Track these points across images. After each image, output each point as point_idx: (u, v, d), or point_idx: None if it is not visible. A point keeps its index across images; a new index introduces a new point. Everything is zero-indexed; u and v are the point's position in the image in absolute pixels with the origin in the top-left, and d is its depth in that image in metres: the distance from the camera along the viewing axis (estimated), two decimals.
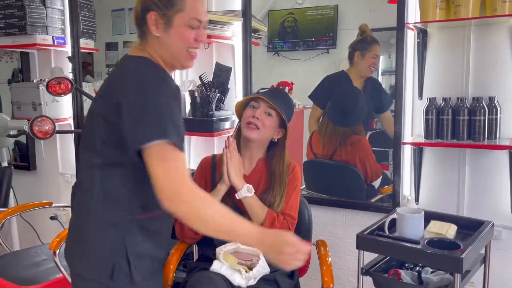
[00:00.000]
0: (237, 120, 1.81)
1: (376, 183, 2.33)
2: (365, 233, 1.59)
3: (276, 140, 1.73)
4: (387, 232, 1.59)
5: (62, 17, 2.91)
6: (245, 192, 1.63)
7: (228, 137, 1.69)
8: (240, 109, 1.76)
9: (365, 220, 2.16)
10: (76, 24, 2.85)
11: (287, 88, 2.58)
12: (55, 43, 2.86)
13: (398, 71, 2.02)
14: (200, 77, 2.37)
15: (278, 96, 1.74)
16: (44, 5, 2.79)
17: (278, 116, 1.69)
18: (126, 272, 1.24)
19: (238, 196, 1.63)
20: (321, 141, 2.41)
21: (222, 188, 1.66)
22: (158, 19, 1.25)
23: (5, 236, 2.57)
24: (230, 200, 1.66)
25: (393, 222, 1.63)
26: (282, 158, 1.73)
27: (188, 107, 2.44)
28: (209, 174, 1.77)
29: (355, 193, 2.33)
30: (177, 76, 2.58)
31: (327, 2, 2.48)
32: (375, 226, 1.64)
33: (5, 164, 2.89)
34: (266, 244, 1.17)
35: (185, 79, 2.52)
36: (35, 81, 2.88)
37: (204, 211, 1.15)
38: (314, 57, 2.53)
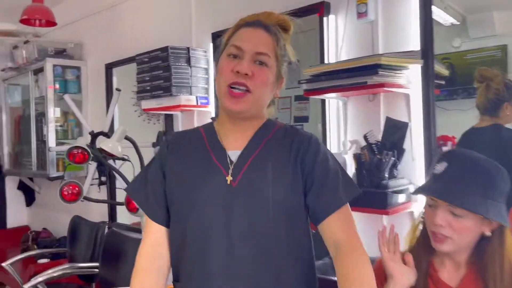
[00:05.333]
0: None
1: None
2: None
3: (489, 233, 1.13)
4: None
5: (206, 76, 2.73)
6: None
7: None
8: None
9: None
10: None
11: (449, 143, 2.02)
12: (199, 103, 2.67)
13: None
14: (365, 136, 1.88)
15: (467, 171, 1.10)
16: (189, 65, 2.63)
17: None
18: None
19: None
20: None
21: None
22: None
23: None
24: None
25: None
26: (498, 260, 1.11)
27: (351, 174, 1.95)
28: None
29: None
30: (333, 136, 2.13)
31: (491, 42, 2.01)
32: None
33: None
34: None
35: (345, 139, 2.05)
36: None
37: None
38: None
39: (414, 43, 1.88)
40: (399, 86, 1.81)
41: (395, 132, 1.86)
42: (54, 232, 4.13)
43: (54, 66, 3.65)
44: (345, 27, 2.07)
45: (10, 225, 4.67)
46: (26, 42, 3.68)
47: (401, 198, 1.82)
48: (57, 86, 3.69)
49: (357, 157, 1.80)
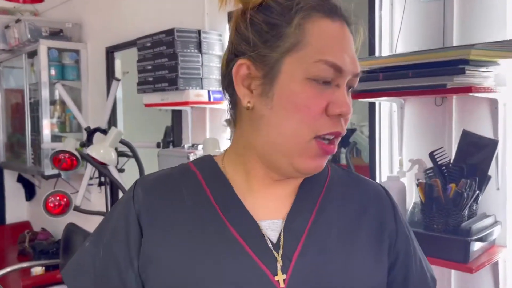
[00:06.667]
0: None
1: None
2: None
3: None
4: None
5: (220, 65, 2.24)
6: None
7: None
8: None
9: None
10: None
11: None
12: (212, 99, 2.19)
13: None
14: (432, 155, 1.39)
15: None
16: (200, 51, 2.15)
17: None
18: None
19: None
20: None
21: None
22: (251, 69, 0.64)
23: None
24: None
25: None
26: None
27: (408, 204, 1.46)
28: None
29: None
30: (384, 150, 1.64)
31: None
32: None
33: None
34: None
35: (401, 157, 1.56)
36: (186, 146, 2.24)
37: None
38: None
39: (503, 30, 1.36)
40: (487, 89, 1.30)
41: (477, 152, 1.35)
42: (54, 233, 3.76)
43: (49, 48, 3.19)
44: (404, 7, 1.56)
45: (9, 221, 4.33)
46: (17, 21, 3.23)
47: (478, 246, 1.33)
48: (53, 71, 3.25)
49: (426, 188, 1.30)
